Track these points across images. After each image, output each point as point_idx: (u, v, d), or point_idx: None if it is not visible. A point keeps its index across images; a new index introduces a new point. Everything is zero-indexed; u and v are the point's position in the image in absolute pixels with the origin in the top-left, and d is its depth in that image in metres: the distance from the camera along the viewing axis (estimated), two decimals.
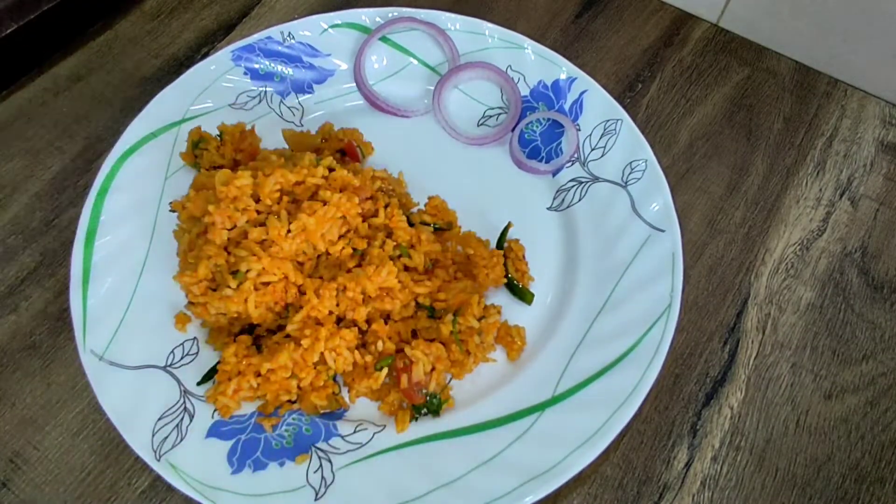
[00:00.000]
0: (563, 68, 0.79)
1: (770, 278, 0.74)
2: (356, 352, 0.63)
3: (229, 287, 0.61)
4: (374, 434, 0.62)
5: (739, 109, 0.86)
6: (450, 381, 0.65)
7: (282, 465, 0.59)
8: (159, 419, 0.60)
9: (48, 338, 0.67)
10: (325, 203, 0.64)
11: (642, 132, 0.74)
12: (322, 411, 0.63)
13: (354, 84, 0.81)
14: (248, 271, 0.60)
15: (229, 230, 0.63)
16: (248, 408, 0.62)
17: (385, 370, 0.63)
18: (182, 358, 0.64)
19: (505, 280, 0.69)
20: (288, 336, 0.63)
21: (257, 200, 0.64)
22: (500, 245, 0.72)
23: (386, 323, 0.65)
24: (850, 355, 0.70)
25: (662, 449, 0.65)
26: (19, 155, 0.78)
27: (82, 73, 0.84)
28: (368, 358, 0.63)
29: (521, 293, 0.70)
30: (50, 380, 0.65)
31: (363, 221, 0.67)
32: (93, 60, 0.86)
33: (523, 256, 0.72)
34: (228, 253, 0.63)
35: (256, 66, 0.79)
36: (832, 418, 0.67)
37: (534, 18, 0.92)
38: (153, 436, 0.58)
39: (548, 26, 0.92)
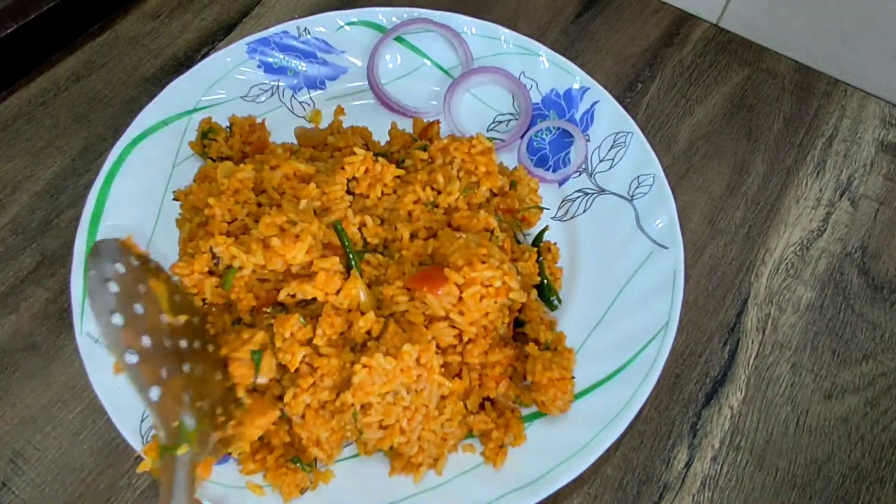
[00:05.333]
0: (577, 78, 0.78)
1: (770, 278, 0.74)
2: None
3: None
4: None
5: (739, 109, 0.86)
6: None
7: None
8: None
9: (48, 338, 0.67)
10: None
11: (642, 132, 0.74)
12: None
13: (367, 82, 0.80)
14: (240, 268, 0.60)
15: (229, 223, 0.63)
16: None
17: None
18: None
19: (538, 279, 0.67)
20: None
21: (260, 193, 0.64)
22: (535, 244, 0.71)
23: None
24: (850, 355, 0.70)
25: (662, 449, 0.65)
26: (19, 155, 0.78)
27: (82, 73, 0.84)
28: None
29: (550, 294, 0.67)
30: (50, 380, 0.65)
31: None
32: (93, 60, 0.86)
33: (557, 262, 0.70)
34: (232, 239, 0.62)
35: (270, 59, 0.79)
36: (832, 418, 0.67)
37: (534, 18, 0.92)
38: (142, 421, 0.58)
39: (548, 26, 0.92)
